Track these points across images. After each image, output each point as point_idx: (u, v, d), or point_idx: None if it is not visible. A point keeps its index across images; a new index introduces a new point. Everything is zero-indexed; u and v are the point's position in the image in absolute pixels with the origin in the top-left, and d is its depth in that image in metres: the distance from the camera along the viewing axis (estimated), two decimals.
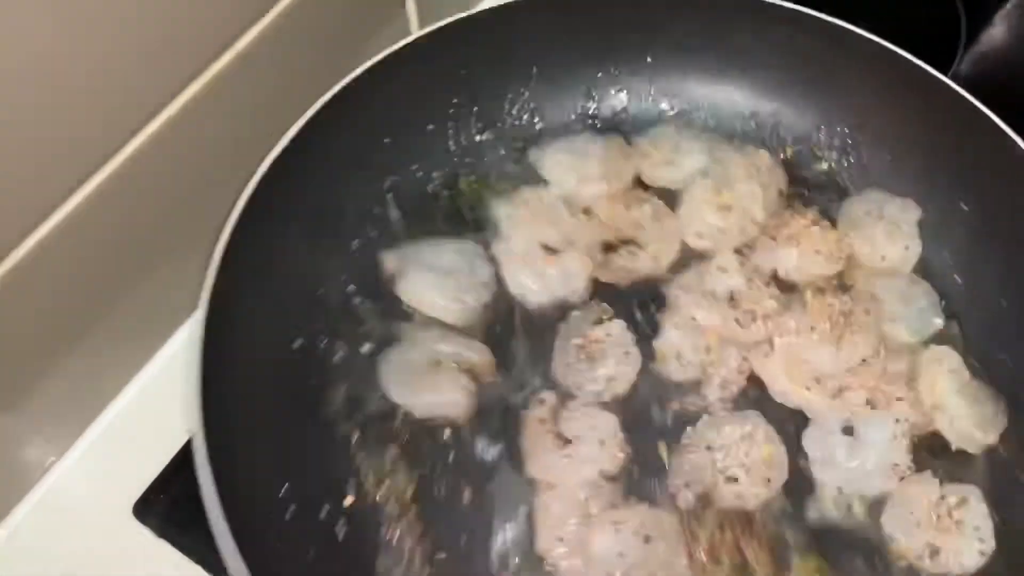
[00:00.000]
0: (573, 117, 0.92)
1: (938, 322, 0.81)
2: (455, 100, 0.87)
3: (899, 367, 0.78)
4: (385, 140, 0.84)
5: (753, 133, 0.92)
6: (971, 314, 0.83)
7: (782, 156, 0.91)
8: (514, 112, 0.90)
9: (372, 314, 0.80)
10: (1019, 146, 0.78)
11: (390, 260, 0.80)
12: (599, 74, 0.92)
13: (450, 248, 0.82)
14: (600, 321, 0.79)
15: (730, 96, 0.93)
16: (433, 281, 0.80)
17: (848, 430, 0.74)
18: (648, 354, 0.78)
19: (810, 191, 0.89)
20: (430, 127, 0.87)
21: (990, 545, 0.70)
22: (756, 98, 0.92)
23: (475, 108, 0.88)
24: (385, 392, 0.74)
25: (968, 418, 0.75)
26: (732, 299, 0.80)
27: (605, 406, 0.75)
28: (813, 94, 0.90)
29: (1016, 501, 0.73)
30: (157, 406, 0.81)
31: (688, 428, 0.74)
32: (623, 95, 0.93)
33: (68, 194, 0.66)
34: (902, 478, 0.73)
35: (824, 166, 0.91)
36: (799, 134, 0.92)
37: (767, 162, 0.88)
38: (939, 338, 0.81)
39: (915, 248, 0.84)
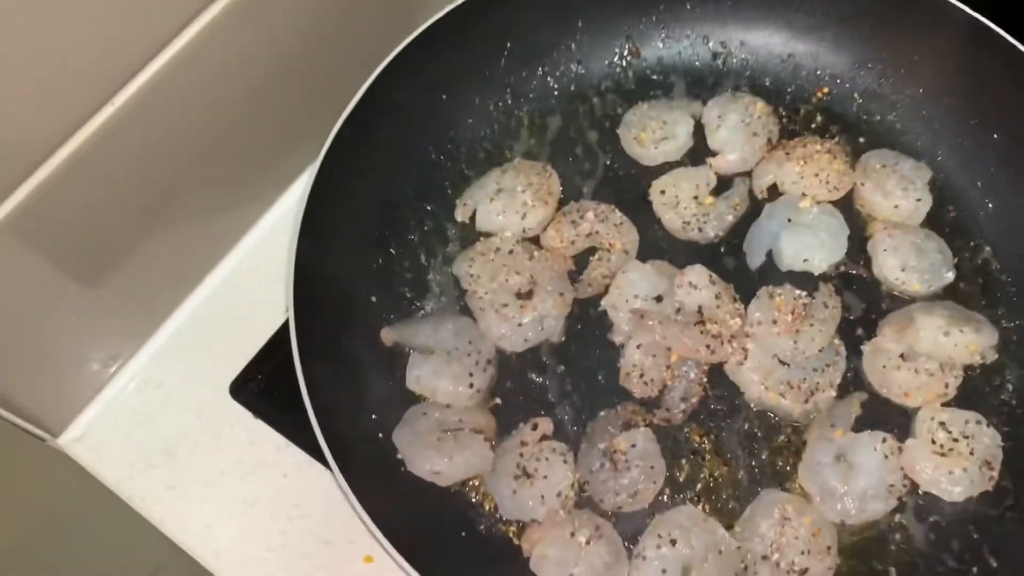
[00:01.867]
0: (615, 64, 0.98)
1: (949, 275, 0.85)
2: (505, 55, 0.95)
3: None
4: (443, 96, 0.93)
5: (790, 75, 0.97)
6: (1003, 237, 0.88)
7: (819, 94, 0.96)
8: (561, 64, 0.97)
9: (443, 231, 0.91)
10: None
11: (388, 335, 0.83)
12: (641, 22, 0.98)
13: (448, 328, 0.84)
14: (628, 426, 0.80)
15: (768, 39, 0.97)
16: (439, 368, 0.81)
17: (839, 458, 0.77)
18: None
19: (839, 130, 0.94)
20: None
21: None
22: (793, 40, 0.96)
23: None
24: (409, 465, 0.78)
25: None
26: (699, 312, 0.82)
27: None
28: (847, 35, 0.94)
29: None
30: (254, 282, 0.91)
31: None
32: (663, 42, 0.98)
33: (150, 57, 0.69)
34: (899, 498, 0.76)
35: (855, 105, 0.95)
36: (835, 72, 0.96)
37: (761, 109, 0.92)
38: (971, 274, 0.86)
39: (926, 202, 0.88)
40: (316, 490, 0.84)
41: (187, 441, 0.87)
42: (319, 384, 0.75)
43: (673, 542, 0.74)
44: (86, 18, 0.64)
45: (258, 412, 0.87)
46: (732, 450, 0.81)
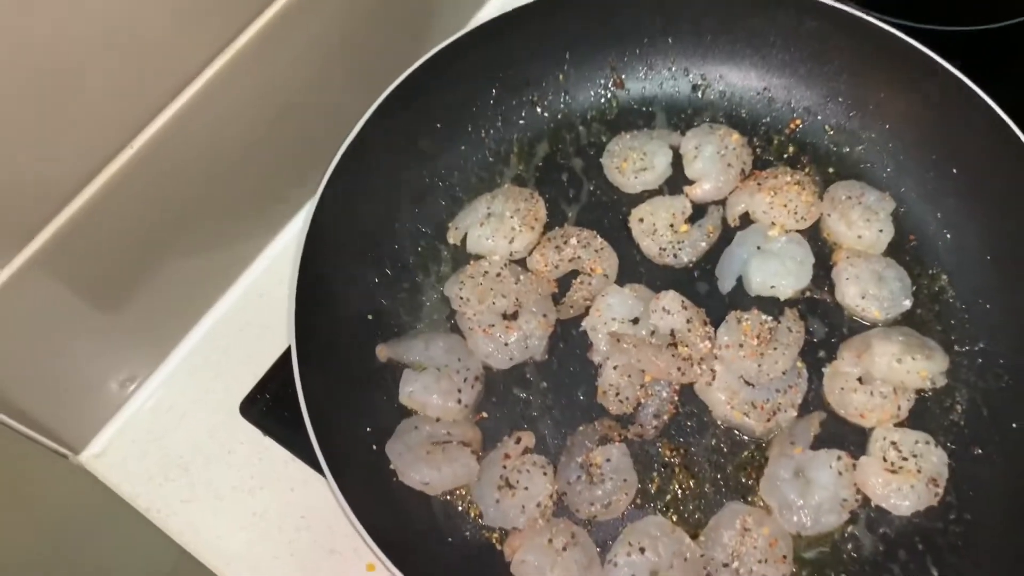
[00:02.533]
0: (600, 95, 1.04)
1: (906, 303, 0.91)
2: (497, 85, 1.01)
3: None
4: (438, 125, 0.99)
5: (765, 107, 1.03)
6: (960, 267, 0.94)
7: (791, 126, 1.02)
8: (549, 94, 1.03)
9: (436, 252, 0.97)
10: (1006, 121, 0.87)
11: (383, 352, 0.90)
12: (625, 55, 1.04)
13: (439, 346, 0.90)
14: (604, 440, 0.86)
15: (745, 73, 1.03)
16: (430, 384, 0.87)
17: (798, 473, 0.83)
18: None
19: (810, 159, 1.00)
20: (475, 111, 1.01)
21: None
22: (768, 75, 1.02)
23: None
24: (401, 476, 0.84)
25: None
26: (672, 335, 0.89)
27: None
28: (819, 71, 1.00)
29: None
30: (261, 307, 0.98)
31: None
32: (646, 75, 1.04)
33: (165, 104, 0.75)
34: (851, 512, 0.82)
35: (826, 138, 1.01)
36: (807, 106, 1.02)
37: (736, 140, 0.98)
38: (927, 301, 0.93)
39: (888, 232, 0.94)
40: (321, 502, 0.90)
41: (200, 457, 0.93)
42: (318, 401, 0.81)
43: (642, 549, 0.81)
44: (108, 68, 0.69)
45: (266, 430, 0.94)
46: (700, 464, 0.87)
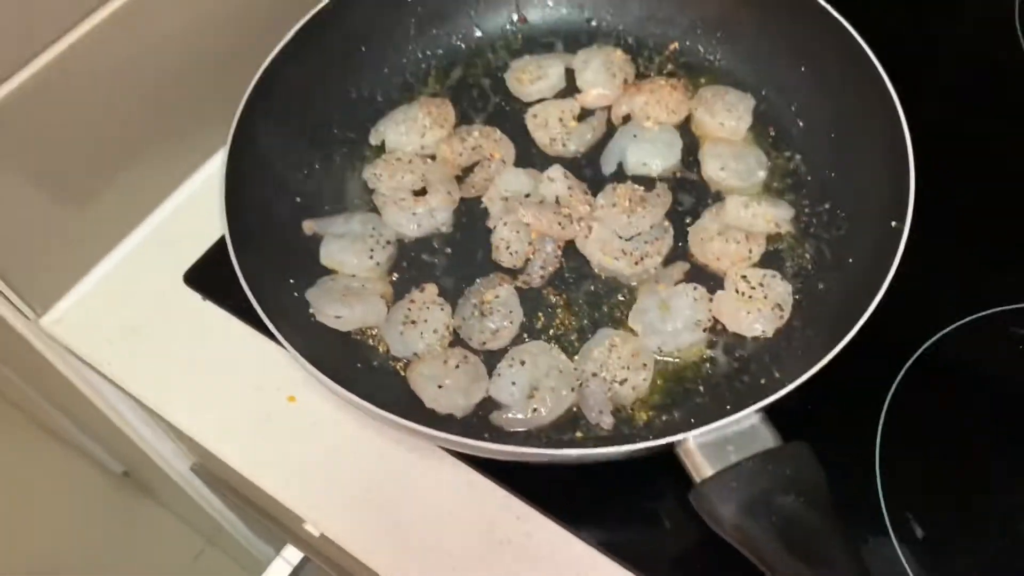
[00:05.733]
0: (507, 29, 1.21)
1: (761, 174, 1.06)
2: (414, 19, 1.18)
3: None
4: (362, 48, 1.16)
5: (648, 34, 1.20)
6: (809, 147, 1.09)
7: (670, 48, 1.18)
8: (462, 28, 1.21)
9: (360, 151, 1.12)
10: (837, 19, 1.04)
11: (308, 226, 1.02)
12: None
13: (357, 219, 1.03)
14: (496, 286, 0.98)
15: (630, 4, 1.20)
16: (346, 246, 1.00)
17: (662, 304, 0.96)
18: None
19: (685, 74, 1.16)
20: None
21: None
22: (648, 4, 1.19)
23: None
24: (318, 314, 0.96)
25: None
26: (557, 202, 1.03)
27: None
28: (690, 1, 1.17)
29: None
30: (208, 202, 1.13)
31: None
32: (544, 10, 1.22)
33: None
34: (705, 330, 0.95)
35: (698, 56, 1.17)
36: (682, 30, 1.18)
37: (620, 56, 1.15)
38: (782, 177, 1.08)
39: (746, 120, 1.09)
40: (249, 350, 1.03)
41: (148, 320, 1.07)
42: (249, 264, 0.93)
43: (523, 363, 0.93)
44: None
45: (206, 292, 1.08)
46: (579, 305, 1.00)
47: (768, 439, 0.80)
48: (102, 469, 1.42)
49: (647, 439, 0.81)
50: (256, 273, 0.94)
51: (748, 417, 0.81)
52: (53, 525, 1.44)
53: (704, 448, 0.80)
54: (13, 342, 1.07)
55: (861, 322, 0.84)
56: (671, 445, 0.81)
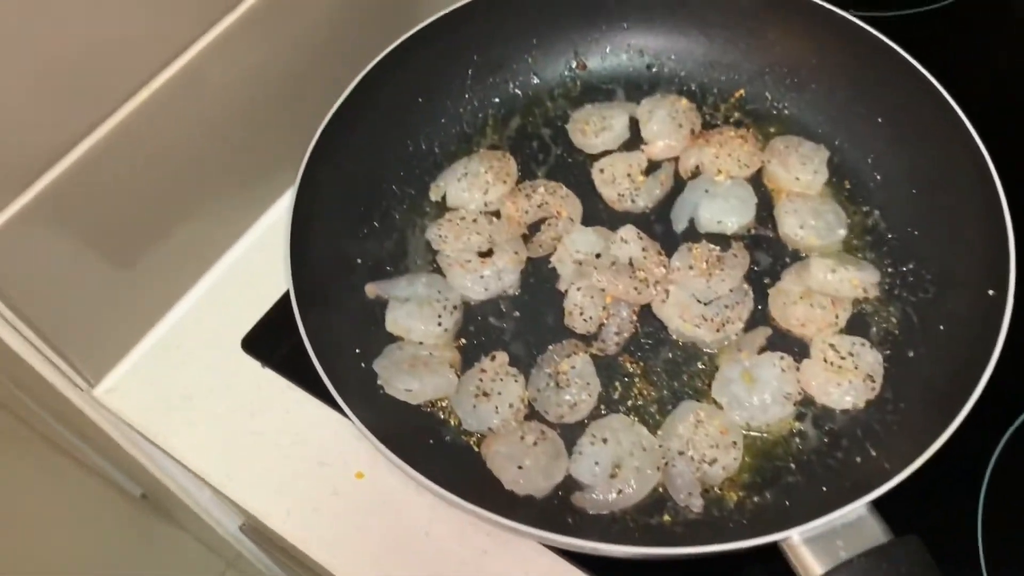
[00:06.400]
0: (566, 76, 1.17)
1: (841, 232, 1.01)
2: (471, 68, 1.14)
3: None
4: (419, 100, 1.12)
5: (712, 80, 1.15)
6: (889, 202, 1.05)
7: (736, 95, 1.14)
8: (520, 75, 1.17)
9: (420, 208, 1.08)
10: (919, 69, 1.00)
11: (371, 289, 0.99)
12: (586, 39, 1.17)
13: (421, 282, 0.99)
14: (571, 355, 0.95)
15: (693, 51, 1.16)
16: (413, 311, 0.97)
17: (746, 375, 0.92)
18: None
19: (752, 122, 1.12)
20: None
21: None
22: (712, 51, 1.15)
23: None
24: (386, 387, 0.93)
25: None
26: (631, 264, 0.99)
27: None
28: (756, 45, 1.13)
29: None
30: (263, 260, 1.09)
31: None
32: (604, 57, 1.17)
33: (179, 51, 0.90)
34: (795, 403, 0.91)
35: (766, 103, 1.13)
36: (749, 76, 1.14)
37: (685, 105, 1.11)
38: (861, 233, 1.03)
39: (823, 174, 1.05)
40: (314, 422, 0.99)
41: (203, 388, 1.03)
42: (315, 331, 0.90)
43: (604, 440, 0.89)
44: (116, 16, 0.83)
45: (265, 360, 1.03)
46: (658, 374, 0.96)
47: (878, 532, 0.76)
48: (120, 490, 1.38)
49: (749, 535, 0.76)
50: (320, 338, 0.90)
51: (855, 508, 0.76)
52: (71, 547, 1.42)
53: (811, 543, 0.75)
54: (68, 412, 1.03)
55: (971, 403, 0.80)
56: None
